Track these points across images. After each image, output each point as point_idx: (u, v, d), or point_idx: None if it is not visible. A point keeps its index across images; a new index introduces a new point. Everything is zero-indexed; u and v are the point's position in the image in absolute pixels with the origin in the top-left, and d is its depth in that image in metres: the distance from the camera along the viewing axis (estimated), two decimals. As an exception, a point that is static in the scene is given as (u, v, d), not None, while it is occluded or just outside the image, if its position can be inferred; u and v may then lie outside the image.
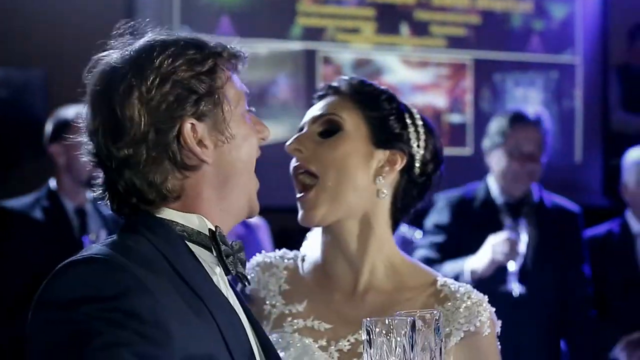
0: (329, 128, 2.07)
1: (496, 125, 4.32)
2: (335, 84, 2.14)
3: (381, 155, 2.08)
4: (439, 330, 1.57)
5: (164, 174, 1.70)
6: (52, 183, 4.24)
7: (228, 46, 1.79)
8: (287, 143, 2.08)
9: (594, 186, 6.33)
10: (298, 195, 2.07)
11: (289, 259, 2.20)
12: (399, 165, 2.09)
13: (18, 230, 4.08)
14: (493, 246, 3.94)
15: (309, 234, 3.08)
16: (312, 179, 2.05)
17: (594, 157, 6.35)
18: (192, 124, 1.70)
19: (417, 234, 4.30)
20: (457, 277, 3.93)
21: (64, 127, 4.08)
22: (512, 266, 3.97)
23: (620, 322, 4.37)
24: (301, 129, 2.11)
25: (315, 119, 2.08)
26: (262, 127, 1.83)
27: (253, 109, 1.84)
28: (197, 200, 1.74)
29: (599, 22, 6.36)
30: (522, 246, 3.98)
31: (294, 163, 2.08)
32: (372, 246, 2.09)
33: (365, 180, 2.06)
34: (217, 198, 1.75)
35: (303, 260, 2.20)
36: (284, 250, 2.24)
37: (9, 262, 4.01)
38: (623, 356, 4.30)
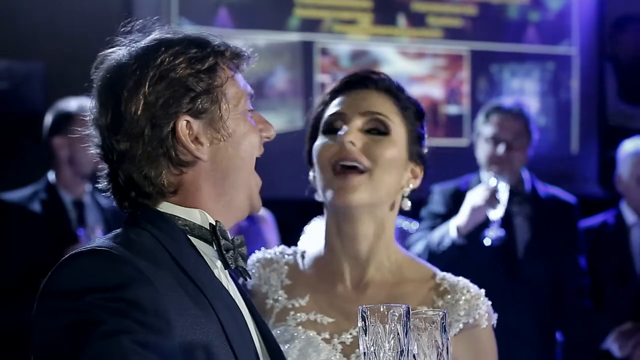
0: (378, 128, 2.11)
1: (479, 117, 4.41)
2: (375, 77, 2.16)
3: (410, 166, 2.15)
4: (445, 329, 1.62)
5: (160, 168, 1.75)
6: (51, 176, 4.24)
7: (231, 45, 1.82)
8: (340, 133, 2.09)
9: (590, 177, 6.36)
10: (338, 175, 2.07)
11: (288, 255, 2.25)
12: (419, 180, 2.17)
13: (16, 222, 4.09)
14: (473, 196, 4.02)
15: (306, 228, 3.11)
16: (355, 171, 2.08)
17: (590, 148, 6.38)
18: (187, 121, 1.74)
19: (414, 226, 4.35)
20: (443, 237, 4.01)
21: (67, 120, 4.09)
22: (494, 214, 4.05)
23: (614, 313, 4.40)
24: (339, 115, 2.12)
25: (364, 114, 2.11)
26: (266, 126, 1.86)
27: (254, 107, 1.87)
28: (197, 195, 1.78)
29: (595, 14, 6.38)
30: (503, 195, 4.04)
31: (340, 154, 2.08)
32: (381, 246, 2.14)
33: (396, 187, 2.13)
34: (217, 194, 1.79)
35: (302, 256, 2.24)
36: (282, 246, 2.29)
37: (7, 253, 4.02)
38: (615, 346, 4.34)
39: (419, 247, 4.14)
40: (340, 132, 2.10)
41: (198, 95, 1.75)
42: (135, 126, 1.73)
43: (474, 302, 2.06)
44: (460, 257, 4.01)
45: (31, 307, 4.08)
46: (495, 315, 2.10)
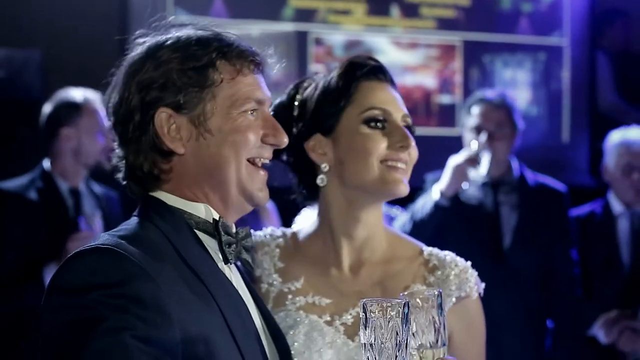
0: (408, 129, 2.19)
1: (464, 109, 4.48)
2: (390, 74, 2.24)
3: None
4: (441, 307, 1.70)
5: (145, 154, 1.82)
6: (46, 164, 4.24)
7: (239, 46, 1.86)
8: (407, 139, 2.15)
9: (581, 166, 6.41)
10: (391, 169, 2.14)
11: (278, 237, 2.30)
12: None
13: (14, 210, 4.09)
14: (454, 158, 4.17)
15: (297, 218, 3.14)
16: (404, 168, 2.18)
17: (581, 138, 6.43)
18: (169, 114, 1.80)
19: (398, 212, 4.40)
20: (426, 202, 4.14)
21: (75, 111, 4.10)
22: (475, 174, 4.18)
23: (601, 301, 4.46)
24: (384, 111, 2.16)
25: (404, 117, 2.19)
26: (274, 132, 1.89)
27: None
28: (193, 188, 1.84)
29: (586, 5, 6.43)
30: (484, 158, 4.15)
31: (396, 155, 2.14)
32: (377, 229, 2.22)
33: None
34: (209, 189, 1.85)
35: (292, 238, 2.30)
36: (271, 228, 2.35)
37: (6, 242, 4.02)
38: (601, 333, 4.40)
39: (403, 217, 4.21)
40: (384, 128, 2.15)
41: (181, 91, 1.80)
42: (128, 110, 1.82)
43: (464, 276, 2.16)
44: (444, 220, 4.10)
45: (30, 295, 4.07)
46: (483, 285, 2.20)
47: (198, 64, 1.81)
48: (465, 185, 4.19)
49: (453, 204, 4.18)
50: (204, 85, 1.82)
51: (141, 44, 1.87)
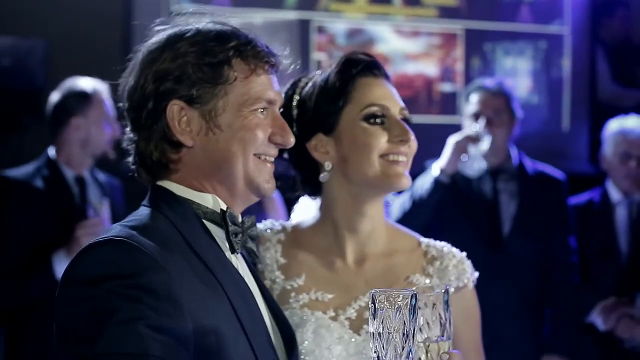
0: (407, 121, 2.22)
1: (464, 97, 4.54)
2: (384, 68, 2.28)
3: None
4: (447, 304, 1.74)
5: (155, 142, 1.85)
6: (51, 152, 4.24)
7: (255, 46, 1.88)
8: (406, 133, 2.18)
9: (581, 154, 6.44)
10: (393, 163, 2.18)
11: (279, 231, 2.33)
12: None
13: (20, 198, 4.10)
14: (453, 136, 4.23)
15: (296, 206, 3.17)
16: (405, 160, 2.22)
17: (581, 126, 6.46)
18: (181, 106, 1.83)
19: (393, 197, 4.44)
20: (426, 181, 4.17)
21: (85, 101, 4.12)
22: (475, 150, 4.24)
23: (599, 288, 4.50)
24: (382, 107, 2.20)
25: (401, 110, 2.23)
26: (282, 132, 1.92)
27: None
28: (199, 179, 1.88)
29: (588, -7, 6.46)
30: (485, 138, 4.21)
31: (396, 148, 2.18)
32: (380, 223, 2.26)
33: None
34: (218, 181, 1.88)
35: (292, 231, 2.32)
36: (270, 221, 2.36)
37: (14, 230, 4.03)
38: (599, 320, 4.44)
39: (402, 197, 4.25)
40: (383, 123, 2.18)
41: (194, 85, 1.83)
42: (142, 97, 1.84)
43: (462, 267, 2.23)
44: (444, 198, 4.14)
45: (39, 283, 4.05)
46: (476, 274, 2.27)
47: (214, 60, 1.84)
48: (464, 158, 4.23)
49: (452, 184, 4.22)
50: (218, 81, 1.84)
51: (161, 31, 1.89)
